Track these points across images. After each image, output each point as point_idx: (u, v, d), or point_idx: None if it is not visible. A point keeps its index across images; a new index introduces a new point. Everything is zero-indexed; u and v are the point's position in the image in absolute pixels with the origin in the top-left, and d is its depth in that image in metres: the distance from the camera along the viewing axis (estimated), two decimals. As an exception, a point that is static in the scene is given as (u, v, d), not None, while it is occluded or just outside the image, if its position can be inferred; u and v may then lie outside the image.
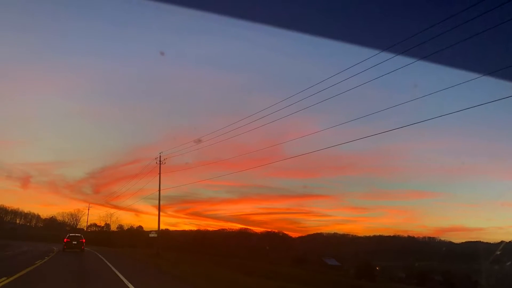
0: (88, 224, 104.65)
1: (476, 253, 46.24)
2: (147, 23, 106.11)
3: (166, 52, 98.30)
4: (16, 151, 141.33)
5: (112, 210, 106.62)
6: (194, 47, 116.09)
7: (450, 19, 11.24)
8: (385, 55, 14.43)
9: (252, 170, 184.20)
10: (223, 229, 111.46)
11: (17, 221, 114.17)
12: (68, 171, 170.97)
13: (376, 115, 23.95)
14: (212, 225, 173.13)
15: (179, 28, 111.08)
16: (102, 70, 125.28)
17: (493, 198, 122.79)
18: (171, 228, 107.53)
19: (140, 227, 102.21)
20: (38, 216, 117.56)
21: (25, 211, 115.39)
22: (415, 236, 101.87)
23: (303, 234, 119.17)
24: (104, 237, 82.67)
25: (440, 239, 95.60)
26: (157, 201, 47.26)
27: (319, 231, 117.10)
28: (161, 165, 46.63)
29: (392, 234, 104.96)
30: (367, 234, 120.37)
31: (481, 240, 70.96)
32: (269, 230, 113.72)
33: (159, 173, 46.58)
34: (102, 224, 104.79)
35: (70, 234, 43.23)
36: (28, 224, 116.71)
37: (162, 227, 66.01)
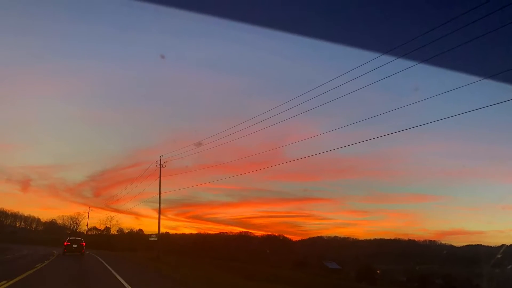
0: (88, 227, 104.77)
1: (477, 256, 46.15)
2: (147, 26, 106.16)
3: (166, 55, 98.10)
4: (16, 154, 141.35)
5: (112, 214, 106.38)
6: (194, 50, 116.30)
7: (451, 22, 11.26)
8: (385, 58, 14.45)
9: (252, 174, 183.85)
10: (223, 233, 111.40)
11: (17, 225, 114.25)
12: (68, 174, 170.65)
13: (376, 118, 24.02)
14: (213, 229, 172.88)
15: (179, 31, 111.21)
16: (102, 73, 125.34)
17: (494, 201, 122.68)
18: (172, 232, 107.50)
19: (140, 230, 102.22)
20: (38, 220, 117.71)
21: (25, 215, 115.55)
22: (416, 240, 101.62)
23: (304, 238, 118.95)
24: (104, 241, 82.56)
25: (440, 243, 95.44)
26: (157, 205, 47.27)
27: (319, 235, 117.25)
28: (162, 168, 46.71)
29: (392, 238, 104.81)
30: (368, 238, 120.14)
31: (482, 244, 70.75)
32: (270, 233, 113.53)
33: (159, 177, 46.65)
34: (102, 227, 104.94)
35: (70, 238, 43.18)
36: (28, 227, 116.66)
37: (163, 230, 66.01)
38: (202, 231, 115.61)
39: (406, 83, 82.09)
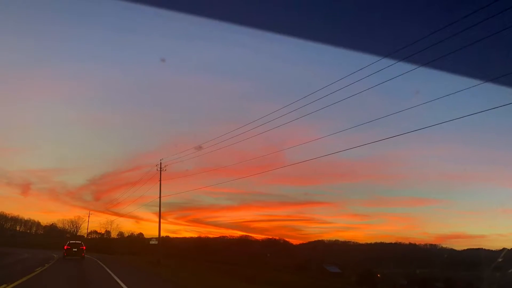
0: (89, 231, 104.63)
1: (477, 260, 46.02)
2: (147, 30, 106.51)
3: (167, 58, 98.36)
4: (16, 158, 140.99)
5: (113, 217, 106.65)
6: (195, 54, 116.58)
7: (451, 26, 11.28)
8: (386, 61, 14.46)
9: (252, 177, 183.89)
10: (223, 236, 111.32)
11: (17, 228, 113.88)
12: (69, 178, 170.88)
13: (377, 121, 23.94)
14: (213, 232, 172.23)
15: (179, 35, 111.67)
16: (103, 77, 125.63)
17: (494, 205, 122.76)
18: (172, 235, 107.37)
19: (141, 234, 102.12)
20: (38, 223, 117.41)
21: (25, 218, 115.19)
22: (417, 243, 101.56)
23: (304, 241, 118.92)
24: (105, 244, 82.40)
25: (441, 246, 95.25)
26: (158, 208, 47.24)
27: (320, 238, 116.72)
28: (162, 172, 46.65)
29: (393, 241, 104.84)
30: (369, 241, 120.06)
31: (483, 247, 70.76)
32: (270, 237, 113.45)
33: (160, 180, 46.59)
34: (103, 231, 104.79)
35: (71, 241, 43.12)
36: (28, 231, 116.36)
37: (163, 234, 66.00)
38: (203, 235, 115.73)
39: (407, 86, 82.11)
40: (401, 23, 12.19)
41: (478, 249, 69.75)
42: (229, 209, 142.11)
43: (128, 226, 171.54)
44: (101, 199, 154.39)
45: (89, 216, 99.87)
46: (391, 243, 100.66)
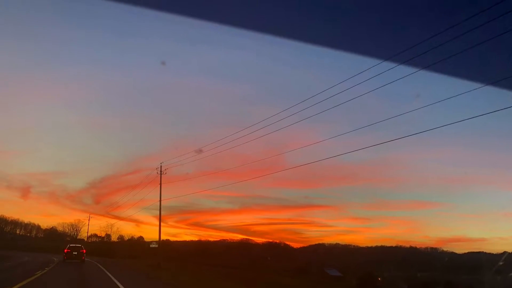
0: (89, 234, 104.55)
1: (479, 263, 46.04)
2: (147, 33, 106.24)
3: (167, 61, 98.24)
4: (16, 161, 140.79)
5: (113, 221, 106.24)
6: (195, 57, 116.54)
7: (452, 29, 11.29)
8: (386, 64, 14.44)
9: (253, 180, 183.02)
10: (224, 240, 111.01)
11: (17, 232, 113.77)
12: (69, 181, 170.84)
13: (377, 125, 23.95)
14: (213, 236, 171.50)
15: (180, 38, 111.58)
16: (103, 79, 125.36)
17: (496, 208, 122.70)
18: (172, 239, 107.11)
19: (141, 237, 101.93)
20: (38, 227, 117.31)
21: (25, 222, 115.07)
22: (417, 247, 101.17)
23: (305, 245, 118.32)
24: (105, 248, 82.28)
25: (442, 250, 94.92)
26: (158, 212, 47.21)
27: (321, 242, 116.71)
28: (162, 175, 46.67)
29: (394, 245, 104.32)
30: (369, 245, 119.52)
31: (484, 251, 70.48)
32: (271, 240, 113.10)
33: (160, 184, 46.60)
34: (103, 234, 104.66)
35: (71, 245, 43.13)
36: (28, 234, 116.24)
37: (163, 237, 65.96)
38: (203, 238, 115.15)
39: (407, 89, 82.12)
40: (401, 26, 12.22)
41: (479, 252, 69.69)
42: (230, 213, 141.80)
43: (128, 230, 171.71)
44: (101, 203, 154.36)
45: (89, 220, 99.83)
46: (391, 247, 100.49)
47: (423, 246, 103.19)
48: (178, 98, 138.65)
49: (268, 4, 11.98)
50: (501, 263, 27.04)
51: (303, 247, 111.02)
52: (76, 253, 40.06)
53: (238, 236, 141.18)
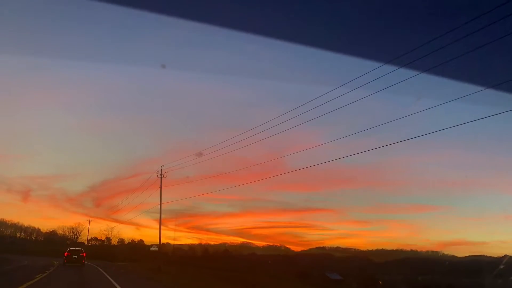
0: (89, 238, 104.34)
1: (479, 267, 45.89)
2: (148, 36, 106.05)
3: (167, 65, 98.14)
4: (16, 164, 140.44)
5: (113, 224, 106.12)
6: (196, 60, 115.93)
7: (453, 32, 11.28)
8: (387, 67, 14.45)
9: (253, 184, 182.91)
10: (224, 243, 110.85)
11: (17, 235, 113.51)
12: (69, 184, 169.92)
13: (378, 128, 23.90)
14: (214, 239, 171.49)
15: (180, 41, 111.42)
16: (102, 83, 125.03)
17: (496, 211, 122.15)
18: (172, 242, 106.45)
19: (141, 241, 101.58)
20: (38, 230, 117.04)
21: (25, 225, 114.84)
22: (418, 250, 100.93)
23: (305, 248, 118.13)
24: (105, 251, 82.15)
25: (443, 253, 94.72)
26: (158, 215, 47.12)
27: (321, 245, 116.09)
28: (162, 178, 46.60)
29: (395, 248, 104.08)
30: (370, 248, 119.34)
31: (485, 254, 70.40)
32: (271, 244, 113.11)
33: (160, 187, 46.52)
34: (103, 238, 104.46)
35: (71, 248, 43.04)
36: (28, 238, 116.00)
37: (163, 241, 65.83)
38: (203, 242, 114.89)
39: (408, 92, 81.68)
40: (402, 29, 12.23)
41: (480, 256, 69.58)
42: (230, 216, 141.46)
43: (128, 233, 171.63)
44: (101, 206, 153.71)
45: (89, 223, 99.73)
46: (392, 250, 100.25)
47: (424, 249, 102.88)
48: (178, 101, 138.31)
49: (269, 7, 11.99)
50: (502, 267, 26.99)
51: (304, 251, 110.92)
52: (76, 256, 40.00)
53: (239, 240, 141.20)
